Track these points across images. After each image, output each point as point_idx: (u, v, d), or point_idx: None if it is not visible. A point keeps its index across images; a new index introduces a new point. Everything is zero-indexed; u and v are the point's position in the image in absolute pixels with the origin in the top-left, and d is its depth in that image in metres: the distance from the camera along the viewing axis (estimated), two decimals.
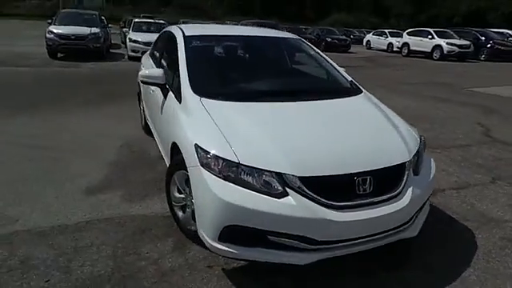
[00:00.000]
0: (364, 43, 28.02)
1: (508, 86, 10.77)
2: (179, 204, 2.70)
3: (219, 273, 2.33)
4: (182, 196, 2.65)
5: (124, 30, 17.19)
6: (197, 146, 2.22)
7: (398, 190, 2.19)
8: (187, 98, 2.68)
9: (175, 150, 2.66)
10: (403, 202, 2.17)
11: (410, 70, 14.87)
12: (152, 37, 16.05)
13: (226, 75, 3.24)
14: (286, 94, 2.87)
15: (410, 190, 2.23)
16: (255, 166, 2.04)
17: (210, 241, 2.13)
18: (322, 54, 3.65)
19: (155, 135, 3.80)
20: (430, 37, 20.06)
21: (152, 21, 15.46)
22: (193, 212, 2.54)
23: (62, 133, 4.97)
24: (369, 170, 2.11)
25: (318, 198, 2.00)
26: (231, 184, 2.04)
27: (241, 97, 2.69)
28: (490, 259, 2.59)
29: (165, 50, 3.96)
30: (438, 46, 19.24)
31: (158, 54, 4.20)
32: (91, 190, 3.39)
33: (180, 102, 2.74)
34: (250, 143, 2.17)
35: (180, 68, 2.98)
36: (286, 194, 1.99)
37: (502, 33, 21.24)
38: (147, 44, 13.08)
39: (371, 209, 2.08)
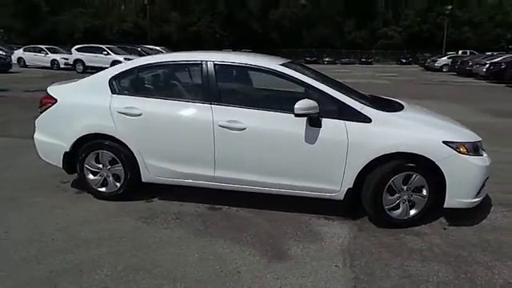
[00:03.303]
0: (14, 60, 24.27)
1: None
2: (392, 205, 3.22)
3: (458, 228, 3.28)
4: (397, 195, 3.20)
5: None
6: (446, 142, 3.06)
7: None
8: (381, 115, 3.21)
9: (373, 163, 3.12)
10: None
11: None
12: None
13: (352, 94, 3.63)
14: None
15: None
16: (474, 140, 3.24)
17: (470, 200, 3.16)
18: None
19: (265, 179, 3.37)
20: (105, 53, 21.07)
21: None
22: (409, 202, 3.23)
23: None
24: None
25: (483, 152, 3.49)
26: (473, 156, 3.13)
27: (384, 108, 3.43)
28: None
29: (227, 81, 3.52)
30: (118, 62, 20.58)
31: (194, 86, 3.56)
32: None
33: (370, 121, 3.13)
34: (453, 130, 3.30)
35: (335, 96, 3.24)
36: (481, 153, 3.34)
37: (156, 49, 25.49)
38: None
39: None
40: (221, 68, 3.48)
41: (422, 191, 3.21)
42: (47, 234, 3.07)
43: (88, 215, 3.43)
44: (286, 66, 3.43)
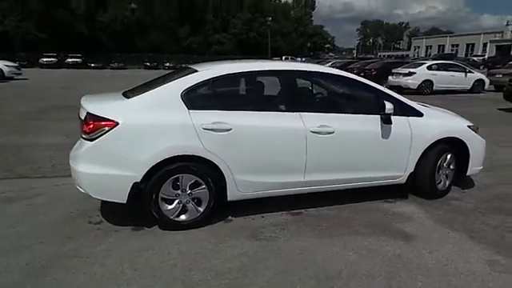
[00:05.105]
0: None
1: None
2: (438, 180, 4.06)
3: (471, 190, 4.37)
4: (441, 172, 4.06)
5: None
6: (469, 126, 4.10)
7: None
8: (428, 110, 4.02)
9: (427, 148, 3.89)
10: None
11: None
12: None
13: None
14: None
15: None
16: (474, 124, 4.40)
17: (480, 167, 4.29)
18: None
19: (350, 176, 3.69)
20: None
21: None
22: (446, 176, 4.16)
23: None
24: None
25: None
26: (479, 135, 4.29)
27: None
28: None
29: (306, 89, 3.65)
30: None
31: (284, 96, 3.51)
32: None
33: (422, 115, 3.87)
34: (465, 118, 4.39)
35: (396, 96, 3.83)
36: None
37: None
38: None
39: None
40: (301, 76, 3.59)
41: (450, 166, 4.17)
42: (183, 278, 2.58)
43: (188, 248, 2.98)
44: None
